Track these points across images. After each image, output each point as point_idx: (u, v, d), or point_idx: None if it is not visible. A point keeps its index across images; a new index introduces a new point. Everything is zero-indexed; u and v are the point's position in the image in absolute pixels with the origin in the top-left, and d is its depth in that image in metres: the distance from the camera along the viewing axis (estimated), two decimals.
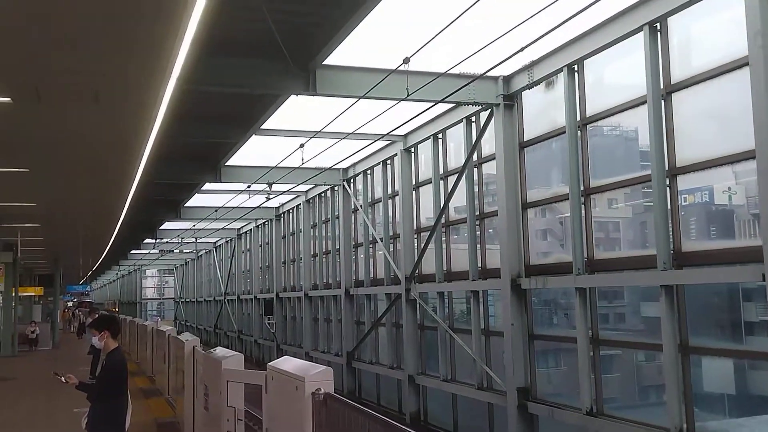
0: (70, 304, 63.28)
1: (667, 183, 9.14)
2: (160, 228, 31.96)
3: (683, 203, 9.25)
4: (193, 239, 33.71)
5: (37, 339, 28.90)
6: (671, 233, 9.09)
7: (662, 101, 9.21)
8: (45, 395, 14.23)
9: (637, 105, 9.74)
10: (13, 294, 27.15)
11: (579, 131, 10.86)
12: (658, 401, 10.28)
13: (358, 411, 4.21)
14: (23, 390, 16.12)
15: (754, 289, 8.96)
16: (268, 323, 28.39)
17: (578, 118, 10.85)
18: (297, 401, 5.10)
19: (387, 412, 16.56)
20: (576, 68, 10.87)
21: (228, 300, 35.95)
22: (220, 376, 6.83)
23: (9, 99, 7.72)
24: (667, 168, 9.14)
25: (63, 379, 6.31)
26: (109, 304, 75.46)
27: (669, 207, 9.12)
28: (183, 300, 51.68)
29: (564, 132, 11.04)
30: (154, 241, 34.72)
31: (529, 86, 11.74)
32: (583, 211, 10.76)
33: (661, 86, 9.21)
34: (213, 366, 7.41)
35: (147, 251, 40.96)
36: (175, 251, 39.96)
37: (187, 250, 41.12)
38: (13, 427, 11.33)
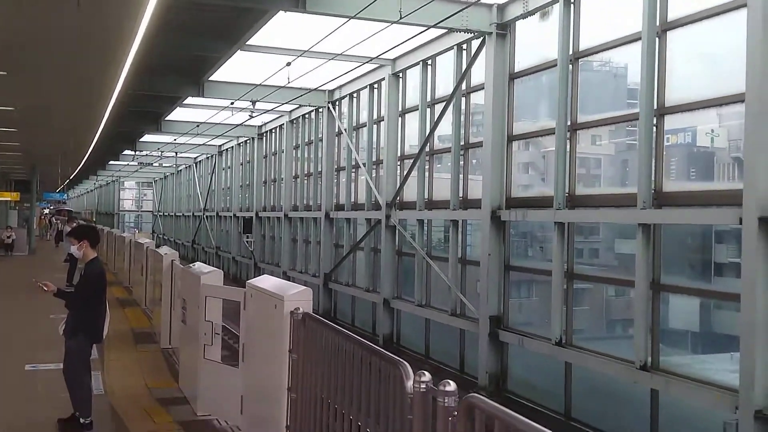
0: (46, 211, 62.81)
1: (654, 122, 9.13)
2: (140, 140, 31.48)
3: (666, 143, 9.28)
4: (173, 153, 33.34)
5: (13, 244, 28.82)
6: (653, 173, 9.15)
7: (657, 39, 9.09)
8: (22, 300, 14.30)
9: (632, 41, 9.61)
10: None
11: (570, 65, 10.74)
12: (624, 335, 10.59)
13: (336, 331, 4.28)
14: None
15: (726, 231, 9.14)
16: (247, 241, 28.51)
17: (571, 52, 10.71)
18: (275, 319, 5.17)
19: (361, 333, 16.89)
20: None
21: (207, 216, 35.93)
22: (199, 291, 6.88)
23: None
24: (656, 107, 9.11)
25: (44, 287, 6.31)
26: (86, 214, 75.03)
27: (654, 146, 9.14)
28: (161, 214, 51.54)
29: (555, 65, 10.91)
30: (133, 153, 34.31)
31: (524, 16, 11.50)
32: (567, 146, 10.76)
33: (657, 23, 9.08)
34: (192, 281, 7.45)
35: (126, 163, 40.50)
36: (154, 164, 39.58)
37: (167, 164, 40.75)
38: None
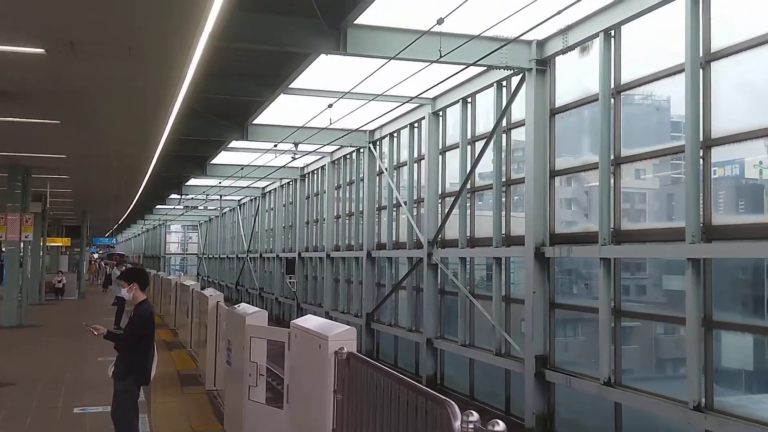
0: (96, 256, 64.27)
1: (701, 154, 8.97)
2: (186, 184, 32.22)
3: (713, 176, 9.10)
4: (218, 196, 33.96)
5: (64, 288, 29.46)
6: (701, 206, 8.96)
7: (701, 70, 8.99)
8: (71, 343, 14.57)
9: (675, 73, 9.53)
10: (41, 243, 27.62)
11: (612, 99, 10.67)
12: (675, 374, 10.28)
13: (381, 371, 4.23)
14: (50, 337, 16.50)
15: None
16: (290, 282, 28.67)
17: (612, 86, 10.65)
18: (319, 359, 5.14)
19: (404, 374, 16.64)
20: (613, 33, 10.63)
21: (250, 257, 36.31)
22: (244, 331, 6.90)
23: (43, 50, 7.76)
24: (701, 139, 8.96)
25: (94, 332, 6.41)
26: (133, 258, 76.59)
27: (701, 179, 8.97)
28: (206, 256, 52.31)
29: (597, 99, 10.86)
30: (179, 196, 35.06)
31: (564, 51, 11.53)
32: (611, 181, 10.63)
33: (701, 54, 8.99)
34: (237, 321, 7.49)
35: (172, 207, 41.37)
36: (199, 208, 40.34)
37: (212, 207, 41.49)
38: (41, 372, 11.62)
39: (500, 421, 2.69)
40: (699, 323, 8.88)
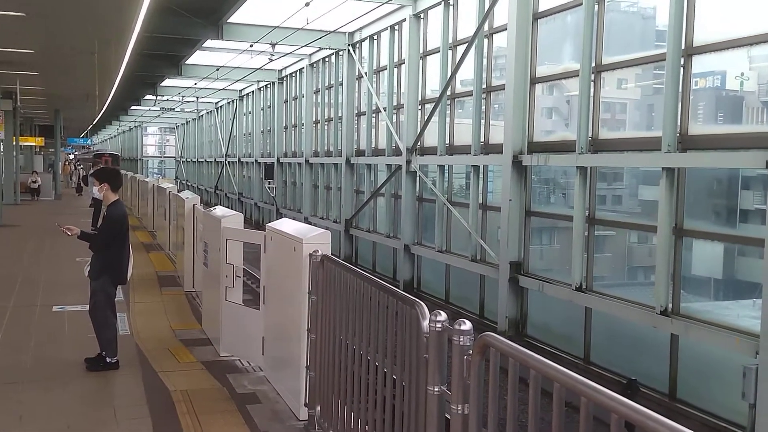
0: (72, 156, 63.28)
1: (682, 63, 8.88)
2: (161, 85, 31.44)
3: (694, 87, 9.04)
4: (194, 98, 33.27)
5: (39, 189, 29.18)
6: (679, 115, 8.94)
7: None
8: (48, 243, 14.57)
9: None
10: (14, 143, 27.09)
11: (597, 4, 10.42)
12: (646, 281, 10.55)
13: (354, 273, 4.28)
14: (27, 237, 16.47)
15: (753, 177, 8.98)
16: (269, 187, 28.63)
17: None
18: (294, 261, 5.19)
19: (382, 278, 16.93)
20: None
21: (229, 162, 36.04)
22: (220, 234, 6.92)
23: None
24: (683, 47, 8.84)
25: (67, 232, 6.38)
26: (109, 161, 75.54)
27: (680, 87, 8.91)
28: (184, 159, 51.84)
29: (581, 3, 10.59)
30: (154, 97, 34.30)
31: None
32: (592, 89, 10.53)
33: None
34: (213, 224, 7.49)
35: (148, 108, 40.55)
36: (176, 110, 39.59)
37: (189, 110, 40.74)
38: (18, 271, 11.65)
39: (466, 321, 2.75)
40: (670, 231, 9.04)
